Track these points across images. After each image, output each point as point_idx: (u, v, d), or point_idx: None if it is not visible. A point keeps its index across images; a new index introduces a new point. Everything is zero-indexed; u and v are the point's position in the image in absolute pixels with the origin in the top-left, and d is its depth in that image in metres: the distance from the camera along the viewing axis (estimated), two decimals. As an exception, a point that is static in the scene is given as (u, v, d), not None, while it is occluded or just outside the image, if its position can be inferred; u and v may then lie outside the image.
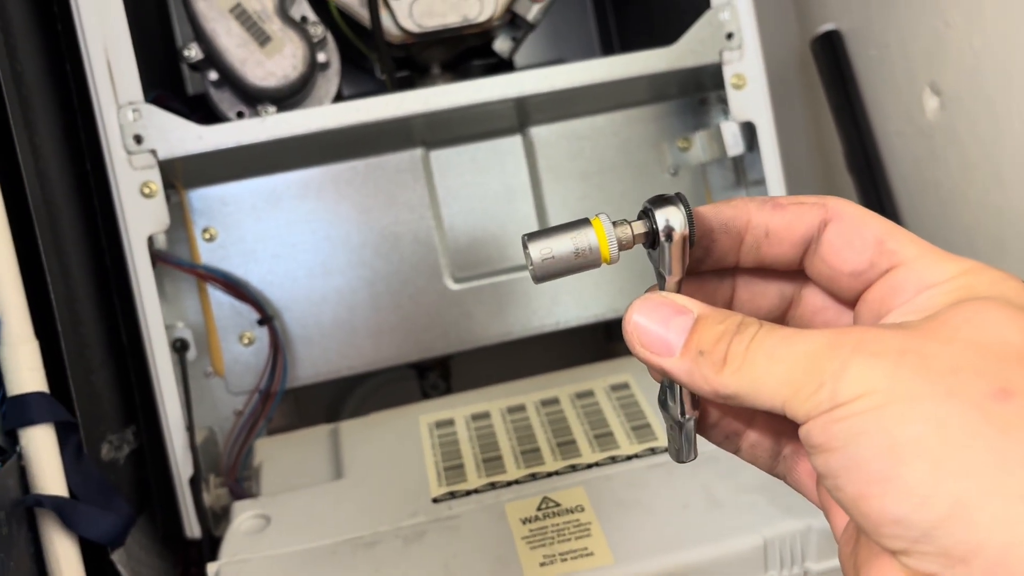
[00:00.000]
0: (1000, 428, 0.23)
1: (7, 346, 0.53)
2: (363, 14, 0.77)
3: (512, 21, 0.81)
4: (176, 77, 0.83)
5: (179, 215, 0.71)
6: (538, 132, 0.76)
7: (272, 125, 0.65)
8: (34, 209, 0.56)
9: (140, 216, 0.63)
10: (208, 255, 0.72)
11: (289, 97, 0.72)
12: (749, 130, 0.71)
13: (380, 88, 0.98)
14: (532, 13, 0.80)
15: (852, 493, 0.25)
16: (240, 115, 0.73)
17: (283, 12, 0.71)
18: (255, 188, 0.73)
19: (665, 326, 0.28)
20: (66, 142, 0.64)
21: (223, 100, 0.73)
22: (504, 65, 0.93)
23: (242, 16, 0.70)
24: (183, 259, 0.70)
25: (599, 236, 0.28)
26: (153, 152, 0.64)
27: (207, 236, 0.72)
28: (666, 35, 0.86)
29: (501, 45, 0.86)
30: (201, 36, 0.70)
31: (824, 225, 0.30)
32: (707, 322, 0.28)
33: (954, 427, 0.23)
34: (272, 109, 0.72)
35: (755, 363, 0.26)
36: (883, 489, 0.24)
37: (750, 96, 0.70)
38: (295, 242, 0.73)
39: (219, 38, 0.69)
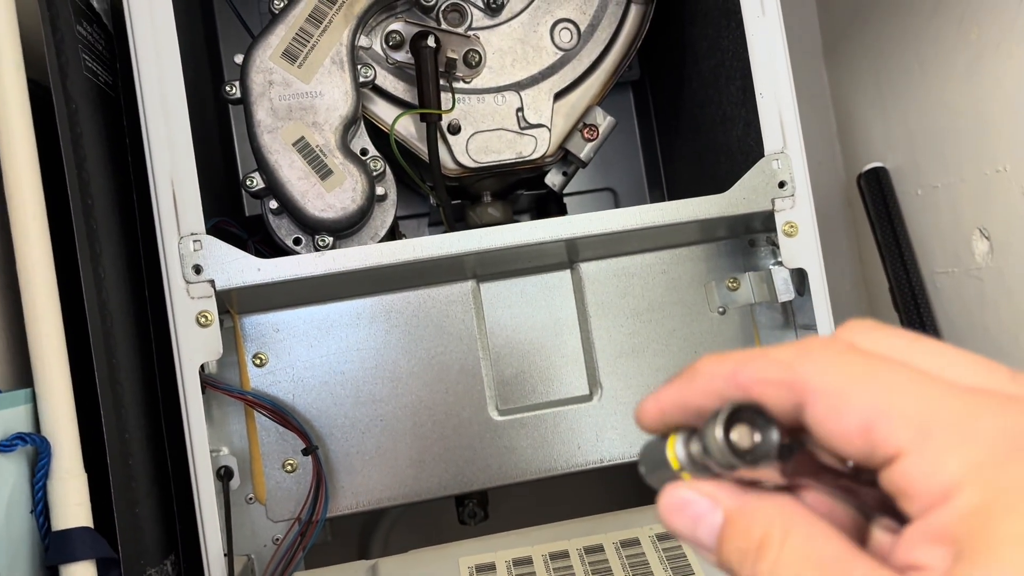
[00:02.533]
0: None
1: (56, 480, 0.53)
2: (421, 148, 0.79)
3: (564, 157, 0.83)
4: (235, 198, 0.85)
5: (231, 340, 0.72)
6: (587, 268, 0.77)
7: (330, 260, 0.66)
8: (93, 342, 0.57)
9: (194, 345, 0.64)
10: (257, 380, 0.72)
11: (347, 229, 0.74)
12: (800, 276, 0.71)
13: (431, 211, 1.00)
14: (584, 151, 0.81)
15: None
16: (297, 242, 0.75)
17: (345, 146, 0.73)
18: (308, 316, 0.73)
19: (694, 530, 0.27)
20: (128, 271, 0.66)
21: (281, 227, 0.75)
22: (553, 196, 0.95)
23: (305, 150, 0.72)
24: (232, 385, 0.71)
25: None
26: (211, 282, 0.65)
27: (257, 362, 0.73)
28: (715, 174, 0.87)
29: (552, 179, 0.87)
30: (264, 167, 0.72)
31: (802, 408, 0.26)
32: (733, 532, 0.26)
33: None
34: (329, 239, 0.73)
35: None
36: None
37: (802, 243, 0.70)
38: (344, 370, 0.73)
39: (281, 170, 0.71)
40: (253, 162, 0.73)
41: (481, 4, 0.80)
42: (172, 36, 0.66)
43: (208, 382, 0.68)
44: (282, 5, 0.74)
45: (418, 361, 0.74)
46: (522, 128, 0.80)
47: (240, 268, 0.65)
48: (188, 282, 0.65)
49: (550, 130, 0.80)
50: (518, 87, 0.80)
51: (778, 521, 0.25)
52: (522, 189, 0.92)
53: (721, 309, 0.78)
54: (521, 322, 0.76)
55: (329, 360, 0.73)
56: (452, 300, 0.75)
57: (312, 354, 0.73)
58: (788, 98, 0.71)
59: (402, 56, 0.78)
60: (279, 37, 0.72)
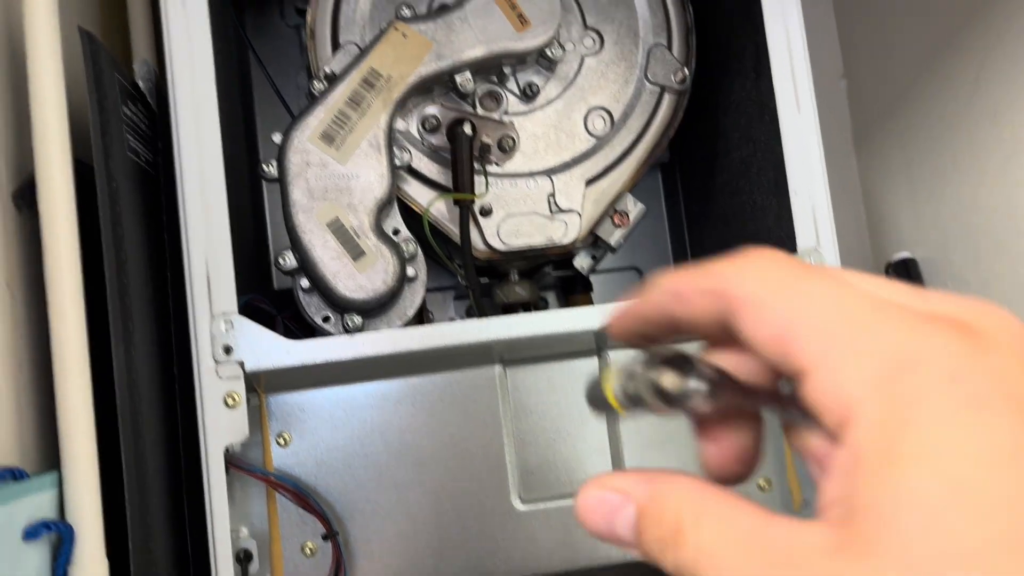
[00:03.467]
0: None
1: (78, 567, 0.53)
2: (453, 230, 0.79)
3: (594, 242, 0.83)
4: (264, 271, 0.86)
5: (256, 419, 0.71)
6: (616, 356, 0.77)
7: (360, 344, 0.66)
8: (121, 425, 0.56)
9: (221, 426, 0.63)
10: (280, 460, 0.72)
11: (376, 309, 0.73)
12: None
13: (457, 286, 1.00)
14: (614, 237, 0.82)
15: None
16: (326, 320, 0.75)
17: (378, 228, 0.73)
18: (333, 396, 0.73)
19: (612, 527, 0.27)
20: (158, 349, 0.66)
21: (311, 305, 0.75)
22: (580, 277, 0.95)
23: (339, 231, 0.72)
24: (256, 465, 0.70)
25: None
26: (241, 364, 0.65)
27: (281, 441, 0.72)
28: (745, 261, 0.87)
29: (581, 262, 0.87)
30: (297, 246, 0.72)
31: (731, 316, 0.27)
32: (647, 522, 0.26)
33: None
34: (358, 319, 0.73)
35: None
36: None
37: (835, 342, 0.69)
38: (367, 452, 0.73)
39: (315, 250, 0.72)
40: (284, 238, 0.73)
41: (517, 90, 0.81)
42: (214, 115, 0.67)
43: (232, 462, 0.67)
44: (322, 88, 0.75)
45: (442, 445, 0.74)
46: (553, 213, 0.80)
47: (270, 350, 0.65)
48: (217, 362, 0.64)
49: (581, 215, 0.81)
50: (550, 172, 0.81)
51: (688, 506, 0.25)
52: (549, 269, 0.92)
53: (750, 402, 0.77)
54: (547, 409, 0.75)
55: (353, 442, 0.73)
56: (478, 384, 0.75)
57: (336, 435, 0.73)
58: (822, 196, 0.71)
59: (437, 139, 0.79)
60: (318, 119, 0.73)
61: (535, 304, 0.97)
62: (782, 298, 0.25)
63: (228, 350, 0.65)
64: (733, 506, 0.25)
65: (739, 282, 0.26)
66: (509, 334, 0.67)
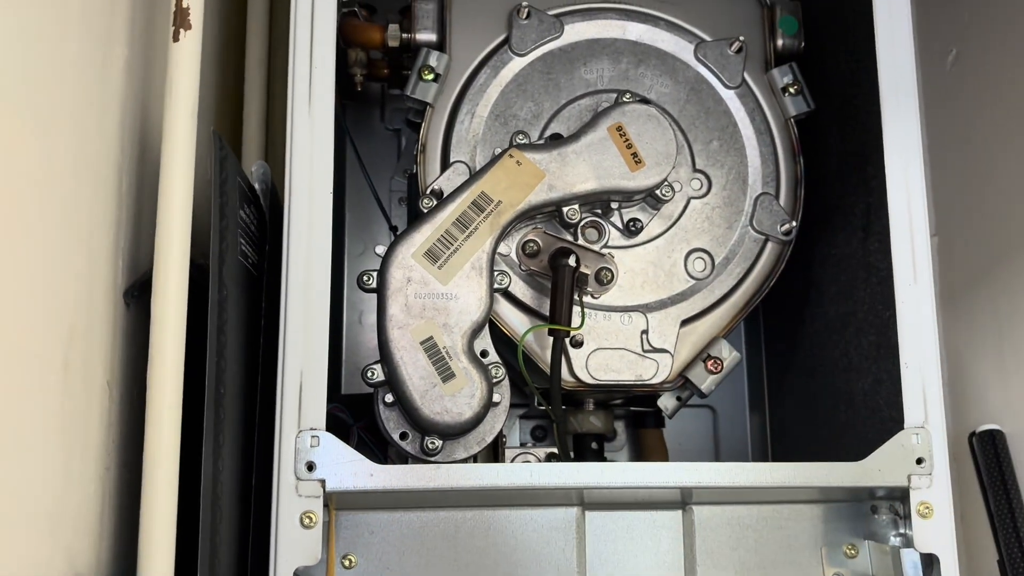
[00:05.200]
0: None
1: None
2: (543, 359, 0.78)
3: (683, 384, 0.81)
4: (335, 376, 0.84)
5: (325, 536, 0.69)
6: (700, 512, 0.73)
7: (444, 475, 0.64)
8: (201, 547, 0.54)
9: (294, 547, 0.61)
10: (342, 582, 0.69)
11: (459, 435, 0.71)
12: (929, 561, 0.67)
13: (529, 406, 0.98)
14: (705, 383, 0.79)
15: None
16: (404, 436, 0.73)
17: (470, 351, 0.72)
18: (405, 521, 0.70)
19: None
20: (242, 461, 0.64)
21: (390, 419, 0.73)
22: (658, 415, 0.92)
23: (432, 350, 0.71)
24: (319, 586, 0.67)
25: None
26: (322, 482, 0.63)
27: (347, 563, 0.69)
28: (831, 421, 0.84)
29: (665, 402, 0.85)
30: (387, 360, 0.71)
31: None
32: None
33: None
34: (439, 442, 0.71)
35: None
36: None
37: (937, 527, 0.66)
38: (433, 585, 0.70)
39: (405, 367, 0.70)
40: (361, 346, 0.72)
41: (620, 224, 0.80)
42: (326, 225, 0.66)
43: (297, 582, 0.65)
44: (431, 205, 0.75)
45: (511, 586, 0.70)
46: (645, 351, 0.78)
47: (354, 471, 0.63)
48: (299, 479, 0.62)
49: (673, 356, 0.79)
50: (645, 309, 0.79)
51: None
52: (629, 405, 0.90)
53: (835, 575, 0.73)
54: (624, 559, 0.72)
55: (419, 570, 0.70)
56: (555, 527, 0.72)
57: (404, 563, 0.70)
58: (935, 373, 0.68)
59: (536, 264, 0.78)
60: (424, 236, 0.72)
61: (608, 436, 0.95)
62: None
63: (311, 467, 0.63)
64: None
65: None
66: (599, 482, 0.65)
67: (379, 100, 1.03)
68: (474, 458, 0.79)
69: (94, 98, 0.55)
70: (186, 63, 0.56)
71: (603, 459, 0.90)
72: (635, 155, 0.75)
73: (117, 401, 0.55)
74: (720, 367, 0.79)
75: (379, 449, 0.79)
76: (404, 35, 0.84)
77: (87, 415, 0.52)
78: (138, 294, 0.56)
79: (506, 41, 0.81)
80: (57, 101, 0.50)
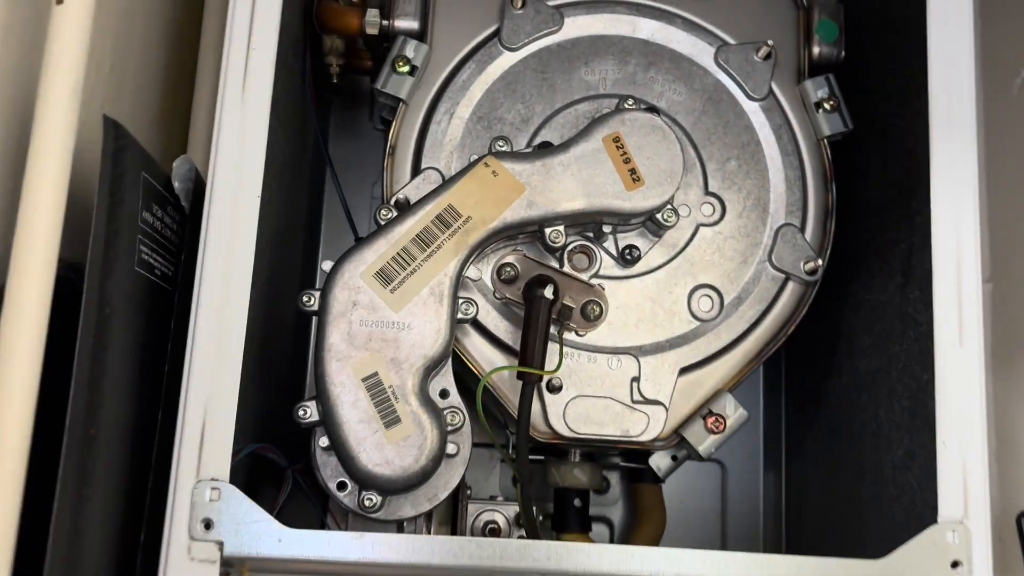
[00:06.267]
0: None
1: None
2: (511, 403, 0.66)
3: (679, 442, 0.69)
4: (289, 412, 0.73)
5: (232, 603, 0.58)
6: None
7: (371, 547, 0.53)
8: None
9: (180, 621, 0.50)
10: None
11: (402, 490, 0.61)
12: None
13: (504, 453, 0.87)
14: (704, 445, 0.67)
15: None
16: (342, 487, 0.62)
17: (422, 392, 0.61)
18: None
19: None
20: (122, 518, 0.53)
21: (327, 466, 0.62)
22: (651, 471, 0.80)
23: (375, 388, 0.60)
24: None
25: None
26: (220, 544, 0.52)
27: (257, 638, 0.58)
28: (853, 493, 0.72)
29: (658, 461, 0.73)
30: (323, 397, 0.60)
31: None
32: None
33: None
34: (377, 499, 0.60)
35: None
36: None
37: (973, 649, 0.53)
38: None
39: (342, 407, 0.59)
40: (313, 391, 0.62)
41: (615, 252, 0.68)
42: (251, 231, 0.56)
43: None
44: (389, 216, 0.64)
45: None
46: (634, 402, 0.67)
47: (258, 534, 0.52)
48: (193, 538, 0.52)
49: (667, 410, 0.67)
50: (639, 352, 0.67)
51: None
52: (617, 459, 0.78)
53: None
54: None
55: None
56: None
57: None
58: (979, 459, 0.56)
59: (512, 292, 0.67)
60: (377, 254, 0.62)
61: (596, 490, 0.83)
62: None
63: (208, 525, 0.52)
64: None
65: None
66: (569, 568, 0.53)
67: (367, 95, 0.93)
68: (427, 517, 0.68)
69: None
70: (70, 32, 0.46)
71: (586, 518, 0.78)
72: (633, 172, 0.64)
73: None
74: (723, 426, 0.67)
75: (318, 498, 0.68)
76: (384, 22, 0.73)
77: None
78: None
79: (496, 33, 0.71)
80: None
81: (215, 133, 0.56)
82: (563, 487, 0.76)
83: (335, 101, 0.94)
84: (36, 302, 0.44)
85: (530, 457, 0.81)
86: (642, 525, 0.84)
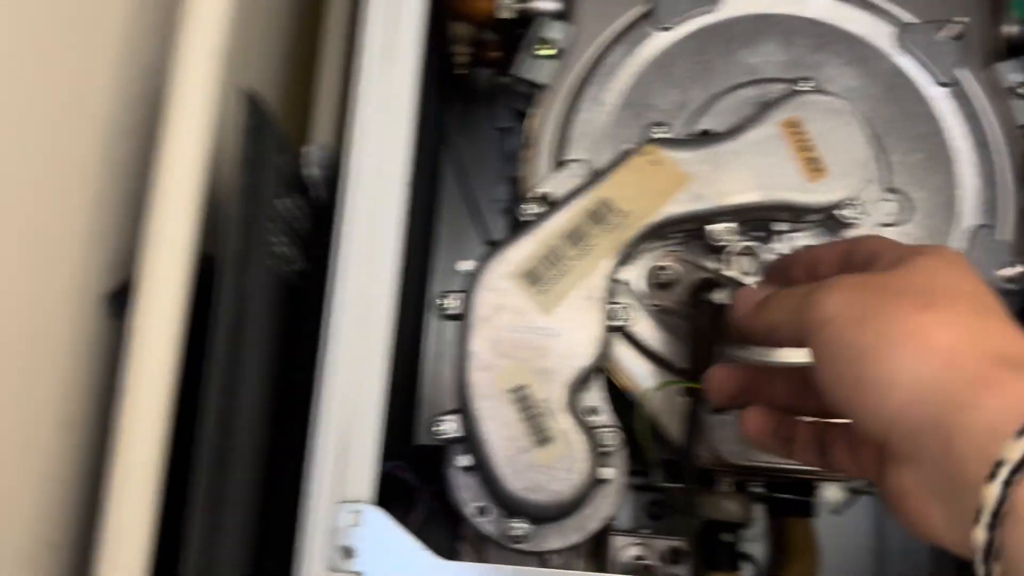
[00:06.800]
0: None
1: None
2: (667, 421, 0.59)
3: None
4: (408, 424, 0.67)
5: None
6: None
7: (531, 583, 0.46)
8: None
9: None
10: None
11: (553, 519, 0.54)
12: None
13: (647, 483, 0.79)
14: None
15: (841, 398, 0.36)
16: (483, 512, 0.55)
17: (573, 408, 0.54)
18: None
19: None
20: (250, 538, 0.47)
21: (465, 486, 0.56)
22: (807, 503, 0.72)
23: (523, 402, 0.53)
24: None
25: None
26: (360, 576, 0.45)
27: None
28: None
29: (832, 494, 0.65)
30: (466, 411, 0.54)
31: None
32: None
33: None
34: (525, 527, 0.54)
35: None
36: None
37: None
38: None
39: (486, 422, 0.53)
40: (446, 385, 0.56)
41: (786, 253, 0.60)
42: (396, 227, 0.50)
43: None
44: (534, 213, 0.57)
45: None
46: (808, 424, 0.59)
47: (405, 564, 0.46)
48: (332, 569, 0.46)
49: (845, 434, 0.59)
50: (811, 368, 0.59)
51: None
52: (775, 489, 0.70)
53: None
54: None
55: None
56: (676, 657, 0.53)
57: None
58: None
59: (669, 299, 0.59)
60: (523, 253, 0.55)
61: (745, 525, 0.75)
62: None
63: (348, 553, 0.46)
64: None
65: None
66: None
67: (486, 92, 0.87)
68: (574, 549, 0.61)
69: (81, 26, 0.40)
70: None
71: (736, 555, 0.70)
72: (813, 160, 0.56)
73: (77, 447, 0.40)
74: (912, 454, 0.58)
75: (452, 522, 0.62)
76: (519, 5, 0.67)
77: (18, 469, 0.37)
78: (127, 300, 0.40)
79: (648, 12, 0.64)
80: (34, 35, 0.35)
81: (351, 107, 0.50)
82: (712, 520, 0.68)
83: (453, 97, 0.88)
84: (172, 294, 0.38)
85: (669, 485, 0.73)
86: (792, 563, 0.75)
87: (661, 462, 0.63)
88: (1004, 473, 0.30)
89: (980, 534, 0.30)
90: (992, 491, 0.30)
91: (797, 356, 0.43)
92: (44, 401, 0.38)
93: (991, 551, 0.30)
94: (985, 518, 0.30)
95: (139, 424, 0.37)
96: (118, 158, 0.43)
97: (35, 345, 0.37)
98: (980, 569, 0.31)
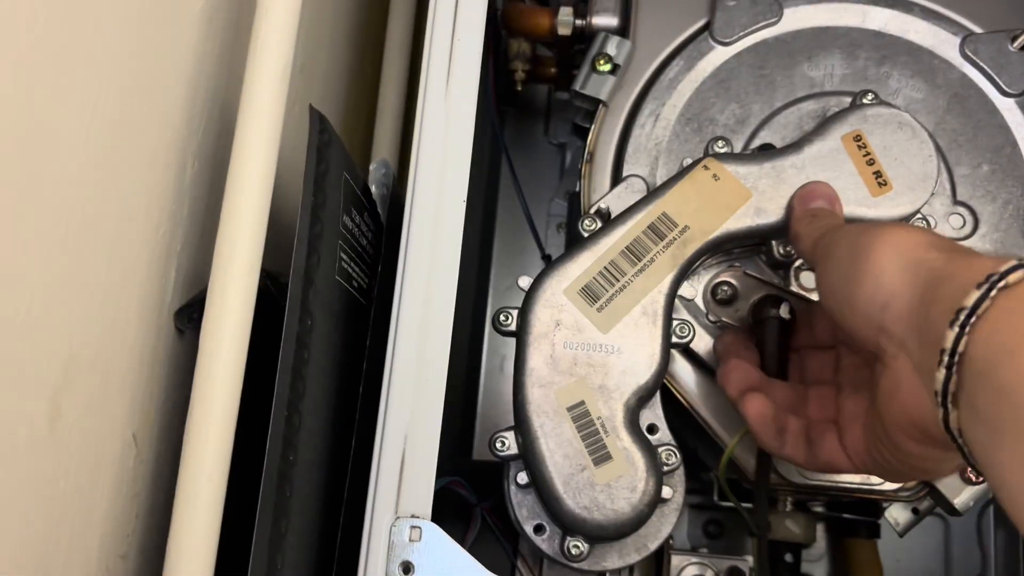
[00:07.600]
0: None
1: None
2: (724, 438, 0.58)
3: (926, 493, 0.59)
4: (466, 438, 0.67)
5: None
6: None
7: (591, 603, 0.45)
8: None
9: None
10: None
11: (612, 538, 0.53)
12: None
13: (705, 499, 0.78)
14: (961, 498, 0.57)
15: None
16: (539, 530, 0.55)
17: (633, 426, 0.53)
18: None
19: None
20: (317, 555, 0.48)
21: (523, 506, 0.56)
22: (872, 524, 0.70)
23: (582, 420, 0.53)
24: None
25: None
26: (420, 594, 0.45)
27: None
28: None
29: (896, 514, 0.63)
30: (523, 428, 0.53)
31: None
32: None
33: None
34: (584, 547, 0.53)
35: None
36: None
37: None
38: None
39: (545, 440, 0.53)
40: (502, 401, 0.56)
41: (848, 269, 0.59)
42: (455, 247, 0.50)
43: None
44: (595, 228, 0.57)
45: None
46: (873, 443, 0.57)
47: (463, 581, 0.46)
48: (390, 585, 0.46)
49: (913, 455, 0.57)
50: (876, 386, 0.58)
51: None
52: (837, 508, 0.68)
53: None
54: None
55: None
56: None
57: None
58: None
59: (731, 315, 0.59)
60: (582, 268, 0.55)
61: (806, 545, 0.74)
62: None
63: (407, 569, 0.46)
64: None
65: None
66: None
67: (543, 108, 0.87)
68: (630, 568, 0.60)
69: (155, 50, 0.41)
70: (278, 14, 0.41)
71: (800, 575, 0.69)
72: (878, 174, 0.55)
73: (146, 461, 0.41)
74: (982, 477, 0.57)
75: (508, 539, 0.62)
76: (578, 21, 0.67)
77: (91, 483, 0.37)
78: (198, 316, 0.41)
79: (707, 27, 0.64)
80: (98, 48, 0.36)
81: (417, 129, 0.50)
82: (774, 539, 0.67)
83: (509, 113, 0.88)
84: (239, 310, 0.39)
85: (726, 504, 0.72)
86: (855, 585, 0.74)
87: (727, 484, 0.63)
88: (961, 317, 0.33)
89: (940, 374, 0.33)
90: (951, 334, 0.33)
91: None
92: (117, 416, 0.39)
93: (948, 390, 0.33)
94: (945, 359, 0.33)
95: (206, 438, 0.37)
96: (188, 180, 0.44)
97: (111, 362, 0.38)
98: (938, 413, 0.34)
